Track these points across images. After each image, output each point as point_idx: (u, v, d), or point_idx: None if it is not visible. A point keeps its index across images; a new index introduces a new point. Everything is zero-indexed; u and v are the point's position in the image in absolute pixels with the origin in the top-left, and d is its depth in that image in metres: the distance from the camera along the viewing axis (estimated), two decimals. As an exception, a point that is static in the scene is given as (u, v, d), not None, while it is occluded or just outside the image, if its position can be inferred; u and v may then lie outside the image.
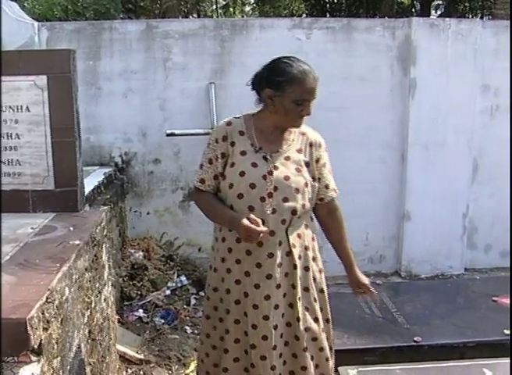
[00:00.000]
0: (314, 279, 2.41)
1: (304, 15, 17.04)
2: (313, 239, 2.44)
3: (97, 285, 2.70)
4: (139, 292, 4.08)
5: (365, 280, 2.55)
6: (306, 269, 2.38)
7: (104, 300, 2.89)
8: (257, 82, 2.31)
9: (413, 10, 17.56)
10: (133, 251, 4.30)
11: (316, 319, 2.42)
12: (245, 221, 2.13)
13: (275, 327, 2.33)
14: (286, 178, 2.27)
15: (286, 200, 2.26)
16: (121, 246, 4.26)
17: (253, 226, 2.13)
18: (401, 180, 4.81)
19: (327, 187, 2.43)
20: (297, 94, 2.20)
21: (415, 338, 3.50)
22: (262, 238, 2.19)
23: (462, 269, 5.00)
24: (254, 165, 2.26)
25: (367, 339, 3.52)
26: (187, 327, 3.91)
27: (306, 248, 2.38)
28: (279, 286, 2.30)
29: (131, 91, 4.54)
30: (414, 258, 4.90)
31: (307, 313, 2.39)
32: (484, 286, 4.38)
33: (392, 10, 14.33)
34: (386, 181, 4.82)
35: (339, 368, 3.12)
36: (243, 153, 2.29)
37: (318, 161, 2.39)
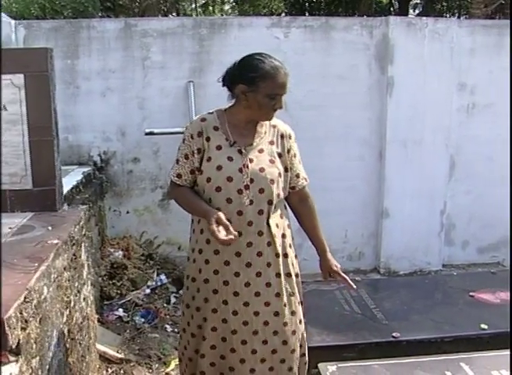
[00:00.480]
0: (292, 264, 2.50)
1: (284, 14, 17.05)
2: (288, 226, 2.53)
3: (76, 284, 2.70)
4: (119, 291, 4.07)
5: (337, 265, 2.64)
6: (285, 255, 2.47)
7: (84, 299, 2.88)
8: (230, 78, 2.37)
9: (391, 9, 17.66)
10: (112, 250, 4.29)
11: (299, 303, 2.54)
12: (213, 226, 2.16)
13: (256, 314, 2.40)
14: (261, 170, 2.36)
15: (262, 191, 2.36)
16: (100, 245, 4.25)
17: (218, 234, 2.14)
18: (379, 178, 4.86)
19: (298, 175, 2.54)
20: (270, 88, 2.29)
21: (394, 334, 3.53)
22: (230, 241, 2.18)
23: (440, 265, 5.06)
24: (230, 159, 2.35)
25: (346, 335, 3.54)
26: (167, 326, 3.91)
27: (283, 236, 2.46)
28: (258, 274, 2.39)
29: (110, 89, 4.52)
30: (392, 255, 4.96)
31: (292, 298, 2.48)
32: (461, 281, 4.42)
33: (370, 9, 14.40)
34: (365, 179, 4.87)
35: (319, 364, 3.13)
36: (218, 148, 2.36)
37: (289, 151, 2.50)
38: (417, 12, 18.79)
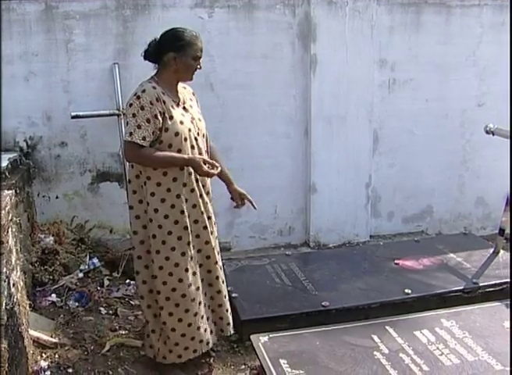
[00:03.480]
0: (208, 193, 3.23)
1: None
2: None
3: (5, 270, 2.69)
4: (51, 277, 4.04)
5: (243, 191, 3.32)
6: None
7: (13, 285, 2.87)
8: (156, 51, 2.95)
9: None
10: (43, 236, 4.25)
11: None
12: (205, 167, 2.88)
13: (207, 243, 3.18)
14: (200, 120, 3.10)
15: (204, 136, 3.11)
16: (30, 232, 4.19)
17: (210, 171, 2.91)
18: (306, 154, 4.95)
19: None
20: (195, 51, 2.92)
21: (323, 303, 3.68)
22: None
23: (367, 236, 5.23)
24: (182, 115, 2.97)
25: (277, 307, 3.66)
26: (102, 308, 3.92)
27: None
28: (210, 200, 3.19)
29: (33, 73, 4.42)
30: (321, 228, 5.07)
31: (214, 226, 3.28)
32: (387, 250, 4.61)
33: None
34: (292, 155, 4.95)
35: (251, 336, 3.23)
36: (173, 107, 2.94)
37: (199, 105, 3.21)
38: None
